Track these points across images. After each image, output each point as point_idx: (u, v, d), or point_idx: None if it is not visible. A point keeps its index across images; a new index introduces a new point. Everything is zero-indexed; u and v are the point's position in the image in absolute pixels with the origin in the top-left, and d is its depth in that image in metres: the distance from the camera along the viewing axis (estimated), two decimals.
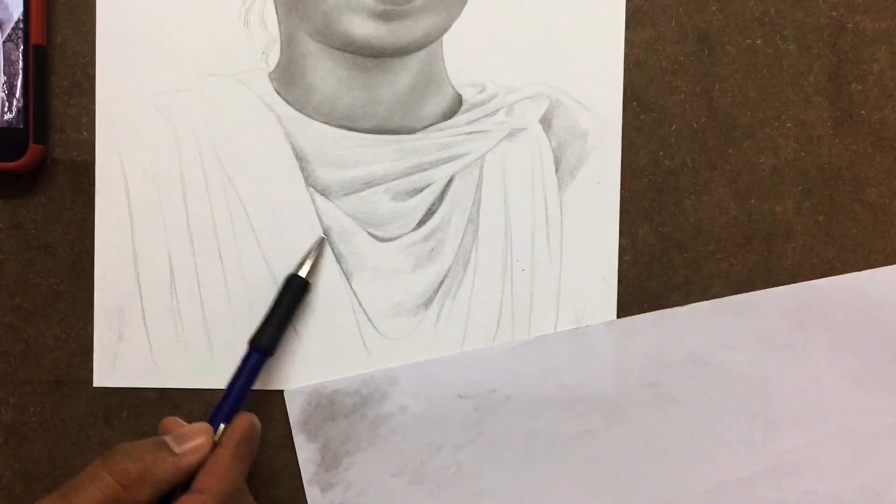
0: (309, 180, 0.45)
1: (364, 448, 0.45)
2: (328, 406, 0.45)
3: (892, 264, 0.47)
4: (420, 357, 0.46)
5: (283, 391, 0.45)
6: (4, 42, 0.43)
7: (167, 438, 0.39)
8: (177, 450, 0.39)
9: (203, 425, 0.40)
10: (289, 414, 0.45)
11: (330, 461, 0.45)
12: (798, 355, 0.45)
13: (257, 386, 0.45)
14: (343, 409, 0.45)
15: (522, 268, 0.46)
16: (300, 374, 0.45)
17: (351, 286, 0.45)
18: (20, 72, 0.43)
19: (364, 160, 0.46)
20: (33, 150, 0.43)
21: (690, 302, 0.46)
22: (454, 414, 0.45)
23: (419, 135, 0.46)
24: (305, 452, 0.45)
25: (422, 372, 0.45)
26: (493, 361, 0.45)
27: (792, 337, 0.45)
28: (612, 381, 0.45)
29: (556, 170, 0.46)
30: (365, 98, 0.46)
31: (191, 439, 0.39)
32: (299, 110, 0.45)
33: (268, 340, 0.43)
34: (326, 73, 0.46)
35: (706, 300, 0.46)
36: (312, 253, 0.44)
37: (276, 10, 0.45)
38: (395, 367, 0.45)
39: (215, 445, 0.40)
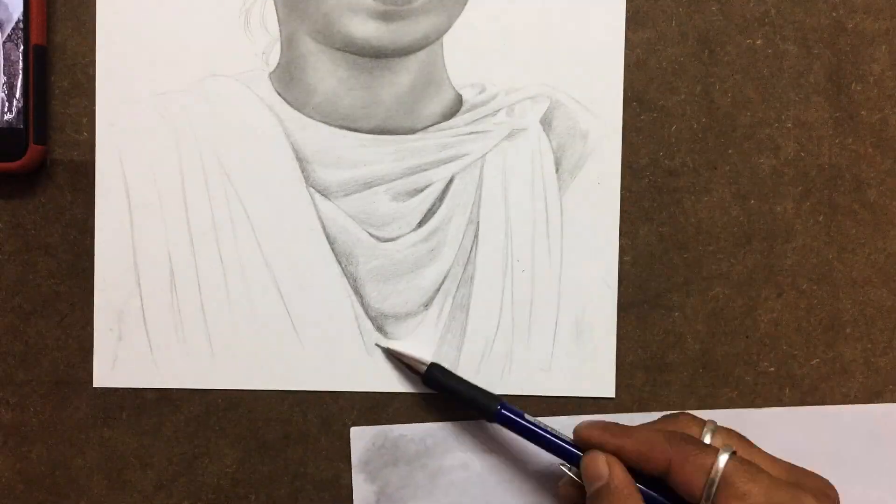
0: (309, 180, 0.45)
1: (420, 497, 0.45)
2: (392, 450, 0.45)
3: (892, 265, 0.47)
4: (420, 358, 0.46)
5: (281, 392, 0.45)
6: (4, 42, 0.43)
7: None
8: None
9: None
10: (351, 452, 0.45)
11: None
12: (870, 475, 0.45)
13: (257, 387, 0.45)
14: (406, 455, 0.45)
15: (523, 268, 0.46)
16: (300, 374, 0.45)
17: (351, 286, 0.45)
18: (20, 72, 0.43)
19: (364, 160, 0.46)
20: (33, 150, 0.43)
21: (691, 302, 0.46)
22: (517, 480, 0.45)
23: (419, 135, 0.46)
24: (362, 492, 0.45)
25: (489, 433, 0.45)
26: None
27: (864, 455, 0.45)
28: None
29: (557, 170, 0.46)
30: (365, 98, 0.46)
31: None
32: (299, 111, 0.45)
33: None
34: (327, 74, 0.46)
35: (706, 301, 0.46)
36: None
37: (277, 10, 0.45)
38: (463, 423, 0.45)
39: None
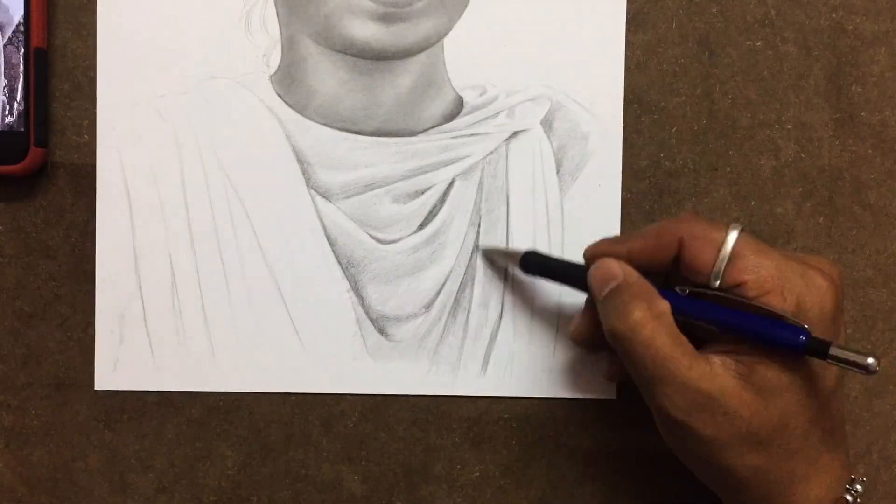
0: (310, 183, 0.45)
1: None
2: None
3: (892, 265, 0.47)
4: (421, 359, 0.46)
5: (282, 394, 0.45)
6: (5, 45, 0.43)
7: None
8: None
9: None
10: None
11: None
12: None
13: (258, 389, 0.45)
14: None
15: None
16: (301, 376, 0.45)
17: (352, 288, 0.45)
18: (21, 75, 0.43)
19: (365, 162, 0.46)
20: (34, 153, 0.43)
21: None
22: None
23: (420, 137, 0.46)
24: None
25: None
26: None
27: None
28: None
29: (558, 172, 0.46)
30: (366, 101, 0.46)
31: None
32: (300, 113, 0.45)
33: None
34: (327, 76, 0.46)
35: None
36: None
37: (277, 12, 0.45)
38: None
39: None
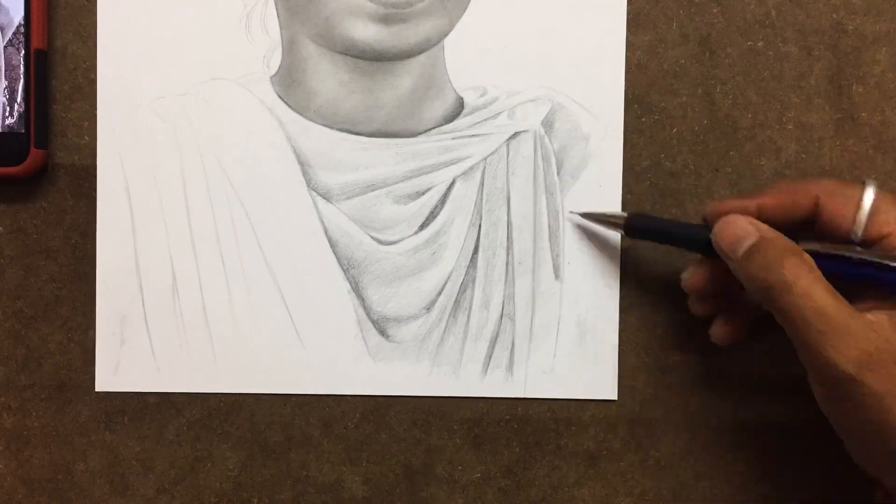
0: (310, 184, 0.45)
1: None
2: None
3: None
4: (422, 360, 0.46)
5: (283, 395, 0.45)
6: (5, 47, 0.43)
7: None
8: None
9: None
10: None
11: None
12: None
13: (259, 390, 0.45)
14: None
15: (524, 270, 0.46)
16: (302, 378, 0.45)
17: (353, 290, 0.45)
18: (21, 76, 0.43)
19: (365, 164, 0.46)
20: (35, 154, 0.43)
21: None
22: None
23: (421, 138, 0.46)
24: None
25: None
26: None
27: None
28: None
29: (558, 172, 0.46)
30: (366, 102, 0.46)
31: None
32: (301, 114, 0.45)
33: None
34: (328, 77, 0.46)
35: None
36: None
37: (278, 13, 0.45)
38: None
39: None
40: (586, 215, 0.45)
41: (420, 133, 0.46)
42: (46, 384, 0.45)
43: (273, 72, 0.45)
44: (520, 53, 0.46)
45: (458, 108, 0.46)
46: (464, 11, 0.45)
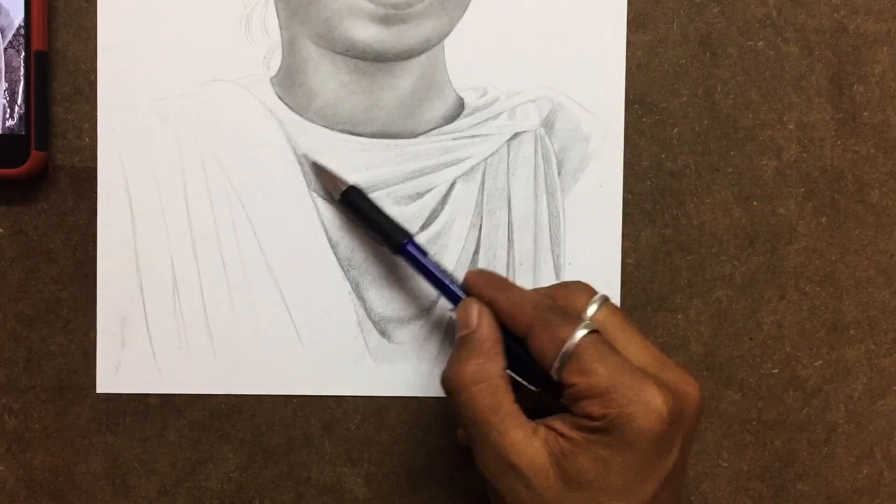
0: (311, 185, 0.45)
1: None
2: None
3: (895, 266, 0.47)
4: (424, 361, 0.45)
5: (284, 396, 0.45)
6: (5, 48, 0.43)
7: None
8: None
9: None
10: None
11: None
12: None
13: (260, 391, 0.45)
14: None
15: (525, 271, 0.46)
16: (303, 379, 0.45)
17: (354, 291, 0.45)
18: (21, 78, 0.43)
19: (366, 164, 0.46)
20: (35, 156, 0.43)
21: (694, 304, 0.46)
22: None
23: (421, 139, 0.46)
24: None
25: None
26: None
27: None
28: None
29: (559, 173, 0.46)
30: (367, 102, 0.46)
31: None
32: (301, 115, 0.45)
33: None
34: (328, 78, 0.45)
35: (709, 303, 0.46)
36: None
37: (278, 14, 0.45)
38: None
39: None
40: (317, 166, 0.45)
41: (420, 134, 0.46)
42: (47, 386, 0.45)
43: (273, 73, 0.45)
44: (520, 54, 0.46)
45: (459, 109, 0.46)
46: (464, 12, 0.45)
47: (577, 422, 0.35)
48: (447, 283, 0.41)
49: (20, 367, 0.45)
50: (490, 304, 0.39)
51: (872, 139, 0.47)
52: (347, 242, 0.45)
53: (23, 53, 0.43)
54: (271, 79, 0.45)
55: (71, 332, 0.45)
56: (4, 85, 0.43)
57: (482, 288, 0.40)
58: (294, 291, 0.45)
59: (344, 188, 0.44)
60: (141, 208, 0.45)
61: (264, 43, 0.45)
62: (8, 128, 0.43)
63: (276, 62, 0.45)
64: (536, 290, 0.40)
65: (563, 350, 0.36)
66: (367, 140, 0.46)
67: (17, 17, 0.43)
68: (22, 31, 0.43)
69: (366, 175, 0.45)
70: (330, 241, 0.45)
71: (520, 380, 0.39)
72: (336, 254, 0.45)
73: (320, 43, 0.45)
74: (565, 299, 0.39)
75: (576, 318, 0.37)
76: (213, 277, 0.45)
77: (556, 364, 0.36)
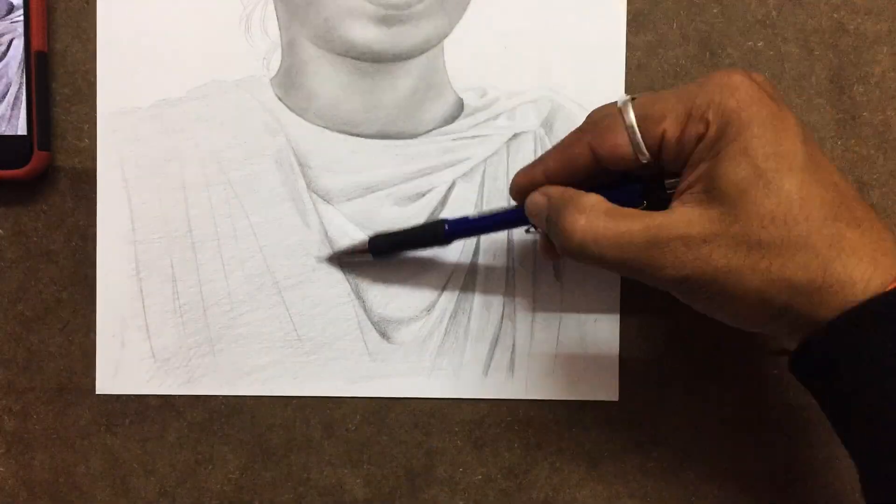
0: (311, 186, 0.45)
1: None
2: None
3: None
4: (423, 362, 0.45)
5: (284, 398, 0.45)
6: (5, 49, 0.43)
7: None
8: None
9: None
10: None
11: None
12: None
13: (260, 392, 0.45)
14: None
15: (525, 272, 0.46)
16: (303, 380, 0.45)
17: (353, 291, 0.45)
18: (23, 79, 0.43)
19: (366, 165, 0.46)
20: (38, 156, 0.43)
21: None
22: None
23: (421, 139, 0.46)
24: None
25: None
26: None
27: None
28: None
29: None
30: (366, 103, 0.46)
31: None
32: (301, 116, 0.45)
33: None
34: (328, 79, 0.45)
35: None
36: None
37: (277, 15, 0.45)
38: None
39: None
40: (336, 257, 0.45)
41: (420, 134, 0.46)
42: (47, 387, 0.45)
43: (273, 74, 0.45)
44: (519, 54, 0.46)
45: (458, 110, 0.46)
46: (463, 12, 0.45)
47: (693, 172, 0.34)
48: (506, 212, 0.41)
49: (20, 368, 0.45)
50: (548, 179, 0.38)
51: (873, 139, 0.47)
52: (347, 243, 0.45)
53: (23, 54, 0.43)
54: (271, 80, 0.45)
55: (71, 333, 0.45)
56: (5, 87, 0.43)
57: (528, 175, 0.39)
58: (294, 292, 0.45)
59: (366, 247, 0.44)
60: (140, 209, 0.45)
61: (264, 44, 0.45)
62: (9, 128, 0.43)
63: (275, 63, 0.45)
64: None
65: (628, 123, 0.35)
66: (366, 141, 0.46)
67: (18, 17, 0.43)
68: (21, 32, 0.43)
69: (366, 176, 0.45)
70: (330, 241, 0.45)
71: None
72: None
73: (320, 44, 0.45)
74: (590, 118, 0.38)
75: (613, 104, 0.36)
76: (213, 278, 0.45)
77: (634, 140, 0.35)
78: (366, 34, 0.45)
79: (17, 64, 0.43)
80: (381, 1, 0.45)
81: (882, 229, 0.33)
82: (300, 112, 0.45)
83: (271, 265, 0.45)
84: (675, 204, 0.35)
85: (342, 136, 0.46)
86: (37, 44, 0.43)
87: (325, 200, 0.45)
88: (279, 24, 0.45)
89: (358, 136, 0.46)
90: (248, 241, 0.45)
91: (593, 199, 0.36)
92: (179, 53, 0.45)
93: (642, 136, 0.35)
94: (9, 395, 0.45)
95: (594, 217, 0.35)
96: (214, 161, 0.45)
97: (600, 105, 0.37)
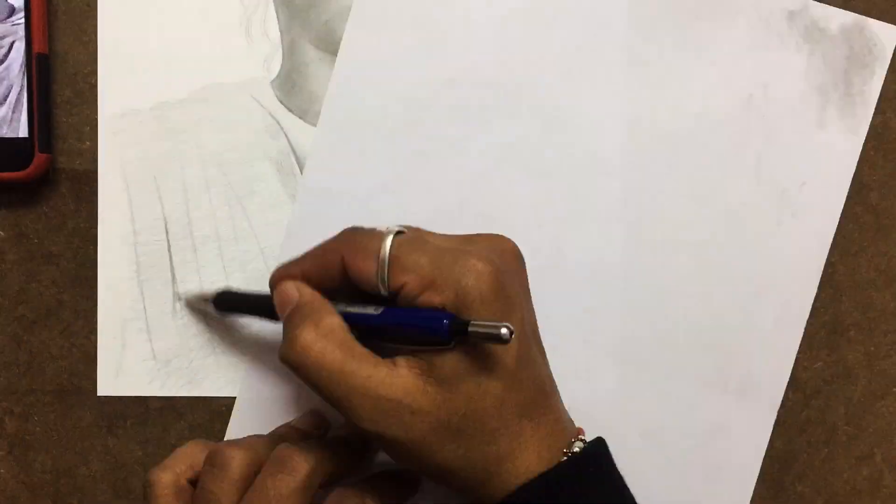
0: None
1: None
2: None
3: (894, 267, 0.47)
4: None
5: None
6: (6, 52, 0.43)
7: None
8: None
9: None
10: None
11: None
12: None
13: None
14: None
15: None
16: None
17: None
18: (24, 81, 0.43)
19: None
20: (39, 158, 0.43)
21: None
22: None
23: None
24: None
25: None
26: None
27: None
28: None
29: None
30: None
31: None
32: (301, 118, 0.46)
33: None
34: (328, 81, 0.46)
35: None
36: None
37: (278, 18, 0.45)
38: None
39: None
40: (188, 303, 0.45)
41: None
42: (48, 389, 0.45)
43: (273, 76, 0.45)
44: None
45: None
46: None
47: None
48: (265, 296, 0.40)
49: (21, 370, 0.45)
50: (304, 278, 0.38)
51: (872, 140, 0.47)
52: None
53: (24, 56, 0.43)
54: (271, 82, 0.45)
55: (72, 335, 0.45)
56: (6, 89, 0.43)
57: (287, 270, 0.39)
58: None
59: (211, 298, 0.43)
60: (141, 211, 0.45)
61: (264, 46, 0.45)
62: (10, 131, 0.43)
63: (276, 65, 0.45)
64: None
65: (380, 257, 0.36)
66: None
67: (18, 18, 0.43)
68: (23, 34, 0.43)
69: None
70: None
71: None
72: None
73: (321, 46, 0.45)
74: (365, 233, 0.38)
75: (379, 232, 0.37)
76: (213, 279, 0.45)
77: (380, 274, 0.36)
78: None
79: (18, 66, 0.43)
80: None
81: (555, 421, 0.37)
82: (301, 114, 0.46)
83: (271, 267, 0.45)
84: (401, 361, 0.36)
85: None
86: (38, 46, 0.43)
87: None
88: (280, 27, 0.45)
89: None
90: (249, 243, 0.45)
91: (334, 324, 0.36)
92: (180, 56, 0.45)
93: (388, 275, 0.36)
94: (10, 397, 0.45)
95: (326, 342, 0.36)
96: (215, 163, 0.45)
97: (367, 227, 0.38)
